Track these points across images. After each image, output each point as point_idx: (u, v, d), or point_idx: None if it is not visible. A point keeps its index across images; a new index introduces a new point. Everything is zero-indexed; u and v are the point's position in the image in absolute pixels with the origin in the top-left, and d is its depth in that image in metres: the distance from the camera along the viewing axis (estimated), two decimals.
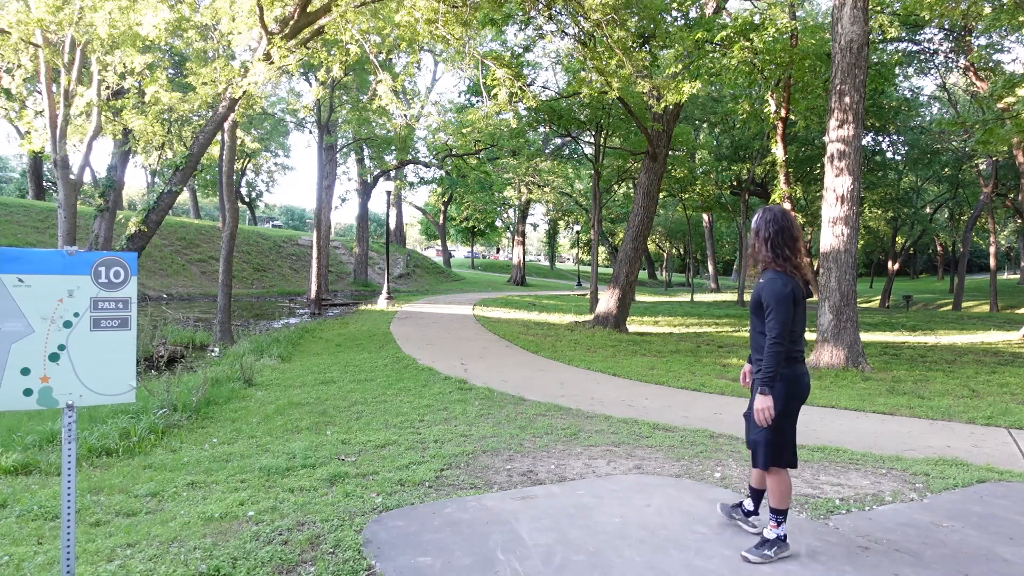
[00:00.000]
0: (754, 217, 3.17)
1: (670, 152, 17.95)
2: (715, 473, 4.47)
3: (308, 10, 11.13)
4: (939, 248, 50.52)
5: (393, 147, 25.65)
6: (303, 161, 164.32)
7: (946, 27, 19.93)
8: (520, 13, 12.72)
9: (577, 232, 47.16)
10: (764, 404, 2.93)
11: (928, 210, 35.62)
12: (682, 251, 56.23)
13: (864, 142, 19.31)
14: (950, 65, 25.21)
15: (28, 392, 2.46)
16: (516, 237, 42.80)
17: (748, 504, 3.41)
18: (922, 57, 23.99)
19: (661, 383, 8.30)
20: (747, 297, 33.87)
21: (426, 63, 59.42)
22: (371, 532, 3.30)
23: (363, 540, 3.19)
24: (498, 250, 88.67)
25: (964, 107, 29.59)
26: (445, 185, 35.60)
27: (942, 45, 22.28)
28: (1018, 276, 45.60)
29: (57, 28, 11.43)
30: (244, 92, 10.99)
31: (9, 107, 19.88)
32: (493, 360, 10.09)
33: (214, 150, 20.12)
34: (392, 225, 35.62)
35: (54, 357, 2.50)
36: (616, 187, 30.64)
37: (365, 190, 29.21)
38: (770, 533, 3.06)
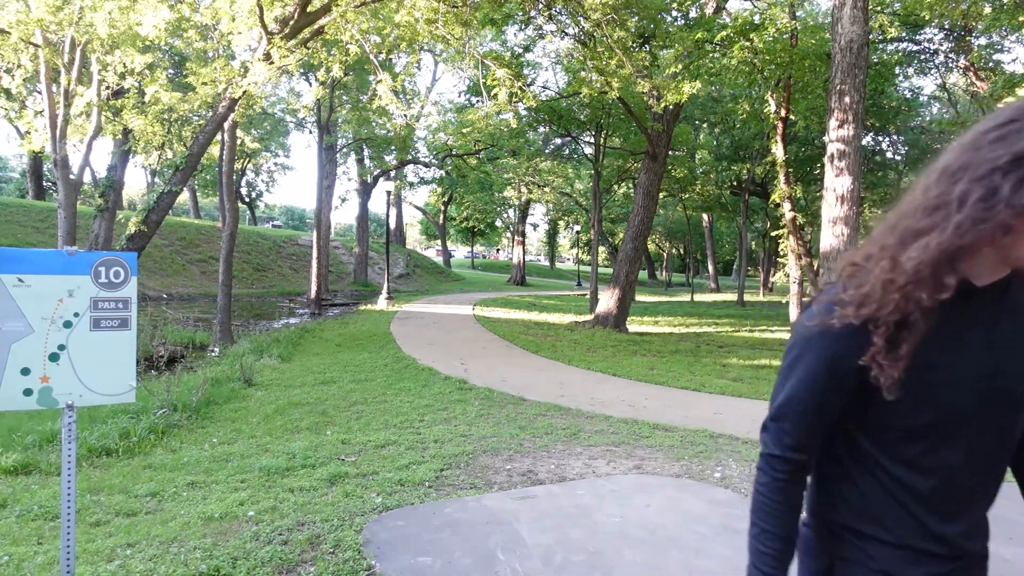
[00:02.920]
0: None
1: (670, 152, 17.93)
2: (715, 473, 4.47)
3: (308, 10, 11.13)
4: None
5: (393, 147, 25.64)
6: (303, 161, 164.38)
7: (946, 27, 19.92)
8: (520, 13, 12.71)
9: (577, 232, 47.06)
10: None
11: None
12: (682, 251, 56.16)
13: (864, 142, 19.31)
14: (950, 65, 25.17)
15: (28, 392, 2.46)
16: (516, 237, 42.75)
17: None
18: (922, 57, 23.95)
19: (661, 383, 8.30)
20: (750, 297, 32.60)
21: (426, 63, 59.45)
22: (371, 532, 3.30)
23: (363, 540, 3.19)
24: (498, 250, 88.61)
25: (964, 107, 29.56)
26: (445, 185, 35.57)
27: (942, 45, 22.26)
28: None
29: (57, 28, 11.43)
30: (244, 92, 10.98)
31: (9, 107, 19.88)
32: (493, 360, 10.08)
33: (214, 150, 20.10)
34: (392, 225, 35.55)
35: (54, 357, 2.50)
36: (616, 187, 30.59)
37: (365, 190, 29.20)
38: None
